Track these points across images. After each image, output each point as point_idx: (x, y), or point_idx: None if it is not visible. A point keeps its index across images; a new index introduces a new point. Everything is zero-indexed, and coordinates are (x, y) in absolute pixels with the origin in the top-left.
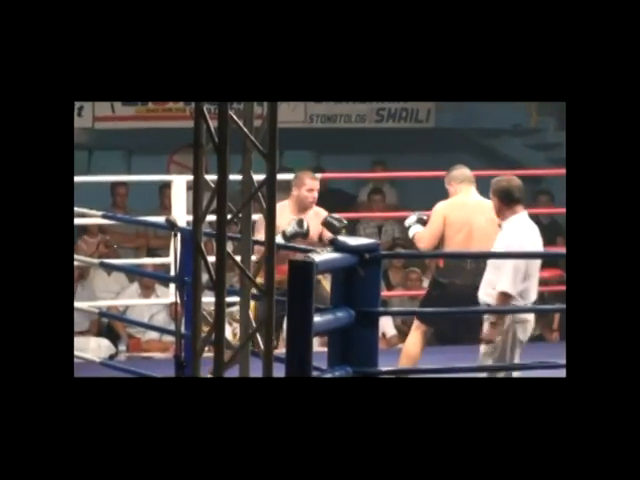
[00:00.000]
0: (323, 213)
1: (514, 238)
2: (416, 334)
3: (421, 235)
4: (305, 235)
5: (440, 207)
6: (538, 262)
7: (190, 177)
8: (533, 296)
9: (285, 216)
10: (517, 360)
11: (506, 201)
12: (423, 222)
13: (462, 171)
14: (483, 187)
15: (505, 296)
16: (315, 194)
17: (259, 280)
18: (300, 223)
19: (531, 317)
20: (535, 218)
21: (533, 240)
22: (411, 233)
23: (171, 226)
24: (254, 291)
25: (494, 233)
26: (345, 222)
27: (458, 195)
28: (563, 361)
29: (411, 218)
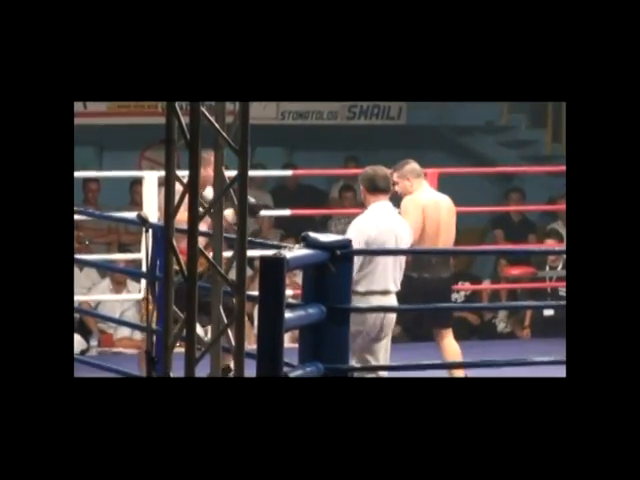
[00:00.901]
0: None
1: (359, 223)
2: None
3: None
4: None
5: (417, 201)
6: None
7: (162, 173)
8: (379, 286)
9: None
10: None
11: (370, 190)
12: None
13: (413, 165)
14: (455, 184)
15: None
16: None
17: None
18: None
19: (370, 317)
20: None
21: (383, 226)
22: None
23: (142, 222)
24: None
25: (454, 226)
26: (259, 202)
27: (421, 190)
28: (535, 358)
29: None
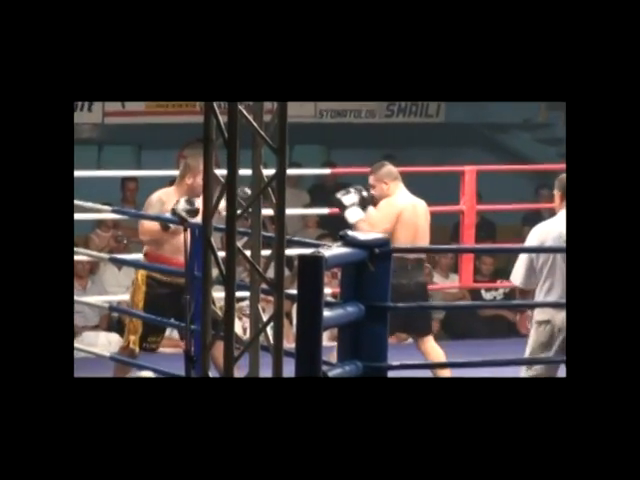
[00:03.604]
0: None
1: (535, 230)
2: None
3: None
4: (195, 213)
5: (394, 204)
6: (555, 257)
7: None
8: (555, 293)
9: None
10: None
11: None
12: (364, 201)
13: (390, 168)
14: (493, 181)
15: (518, 288)
16: None
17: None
18: (190, 201)
19: (556, 318)
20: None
21: (556, 234)
22: (353, 217)
23: (181, 221)
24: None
25: (428, 231)
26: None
27: (398, 193)
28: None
29: (351, 196)
